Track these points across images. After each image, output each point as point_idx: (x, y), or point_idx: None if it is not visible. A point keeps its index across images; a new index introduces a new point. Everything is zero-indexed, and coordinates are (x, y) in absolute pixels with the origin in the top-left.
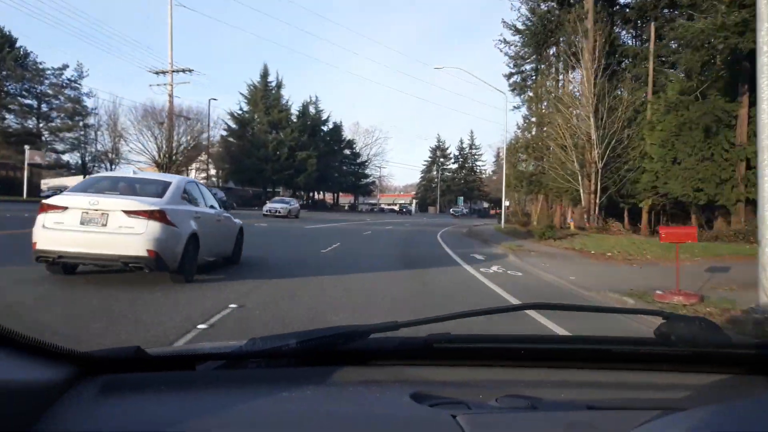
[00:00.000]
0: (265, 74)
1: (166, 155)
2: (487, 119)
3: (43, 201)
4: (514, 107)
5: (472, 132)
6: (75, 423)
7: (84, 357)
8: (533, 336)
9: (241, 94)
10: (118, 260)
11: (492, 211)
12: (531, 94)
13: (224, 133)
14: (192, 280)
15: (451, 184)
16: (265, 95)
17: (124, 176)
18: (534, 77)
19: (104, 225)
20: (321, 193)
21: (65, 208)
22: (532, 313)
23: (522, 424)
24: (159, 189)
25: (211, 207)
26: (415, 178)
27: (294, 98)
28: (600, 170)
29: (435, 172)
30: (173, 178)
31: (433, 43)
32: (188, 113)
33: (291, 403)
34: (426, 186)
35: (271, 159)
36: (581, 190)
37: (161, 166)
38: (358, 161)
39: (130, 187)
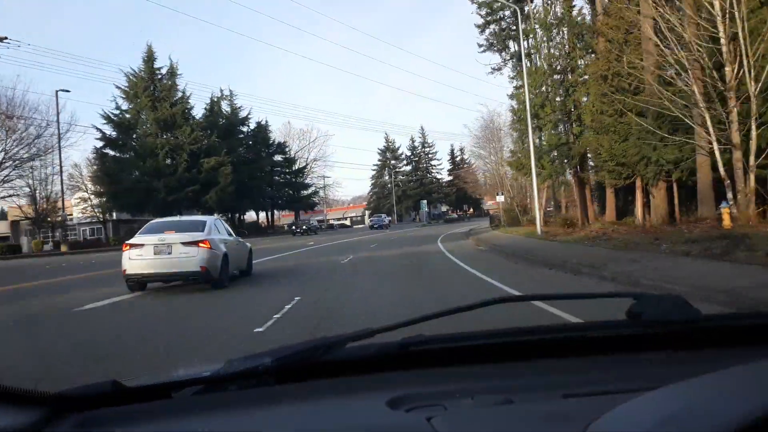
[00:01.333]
0: (150, 58)
1: None
2: (444, 103)
3: (126, 242)
4: (493, 69)
5: (422, 128)
6: None
7: (56, 397)
8: (505, 330)
9: (117, 87)
10: (181, 276)
11: (452, 213)
12: (531, 42)
13: (99, 143)
14: (227, 286)
15: (407, 188)
16: (150, 85)
17: (174, 220)
18: (514, 27)
19: (170, 253)
20: (252, 212)
21: (142, 245)
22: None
23: (497, 419)
24: (200, 226)
25: (230, 235)
26: (365, 188)
27: (199, 94)
28: (755, 97)
29: (387, 177)
30: (207, 219)
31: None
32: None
33: (266, 422)
34: (378, 193)
35: (164, 172)
36: (714, 145)
37: None
38: (294, 168)
39: (181, 226)
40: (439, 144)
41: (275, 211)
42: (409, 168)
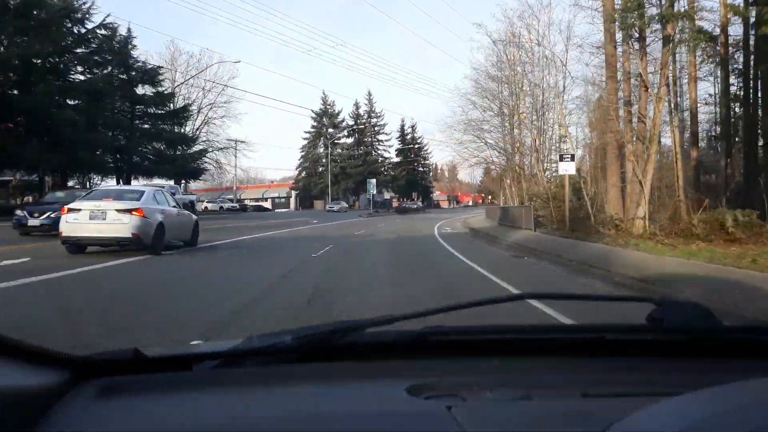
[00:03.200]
0: None
1: None
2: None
3: (65, 206)
4: None
5: (370, 93)
6: (73, 427)
7: (80, 360)
8: (527, 326)
9: None
10: (114, 240)
11: (395, 203)
12: None
13: None
14: (160, 254)
15: (347, 165)
16: None
17: (116, 188)
18: None
19: (104, 219)
20: (83, 176)
21: (79, 210)
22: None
23: (517, 414)
24: (137, 195)
25: (174, 206)
26: (295, 161)
27: None
28: None
29: (322, 149)
30: (146, 189)
31: None
32: None
33: (287, 400)
34: (309, 169)
35: None
36: None
37: None
38: (170, 108)
39: (120, 194)
40: (388, 115)
41: (137, 178)
42: (350, 140)
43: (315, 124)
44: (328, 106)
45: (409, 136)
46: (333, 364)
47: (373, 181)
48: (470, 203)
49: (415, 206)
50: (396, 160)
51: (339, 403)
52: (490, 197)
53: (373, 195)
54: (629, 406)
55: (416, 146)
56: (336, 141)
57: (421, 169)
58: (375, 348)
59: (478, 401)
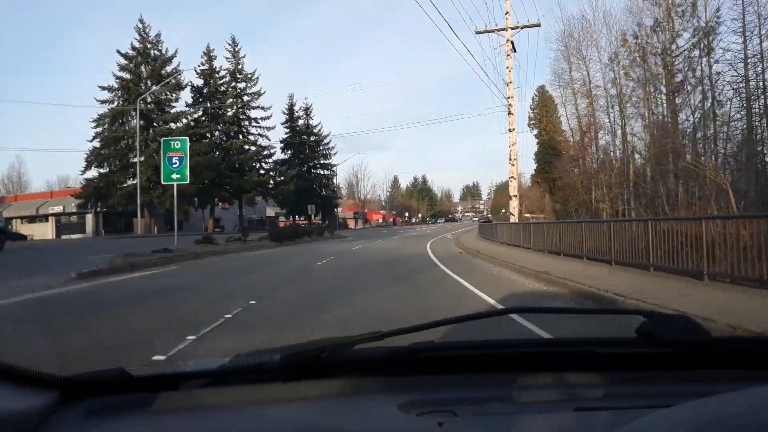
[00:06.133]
0: None
1: None
2: None
3: None
4: None
5: (235, 41)
6: None
7: (66, 381)
8: (517, 340)
9: None
10: None
11: (281, 223)
12: None
13: None
14: None
15: (207, 148)
16: None
17: None
18: None
19: None
20: None
21: None
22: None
23: (509, 429)
24: None
25: None
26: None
27: None
28: None
29: (135, 118)
30: None
31: None
32: None
33: (277, 419)
34: (111, 158)
35: None
36: None
37: None
38: None
39: None
40: (268, 82)
41: None
42: (193, 110)
43: (124, 75)
44: (149, 44)
45: (301, 122)
46: (322, 381)
47: (182, 141)
48: (380, 221)
49: (314, 227)
50: (283, 157)
51: (330, 421)
52: (407, 214)
53: (241, 212)
54: (622, 419)
55: (313, 137)
56: (163, 107)
57: (321, 172)
58: (364, 365)
59: (470, 417)
